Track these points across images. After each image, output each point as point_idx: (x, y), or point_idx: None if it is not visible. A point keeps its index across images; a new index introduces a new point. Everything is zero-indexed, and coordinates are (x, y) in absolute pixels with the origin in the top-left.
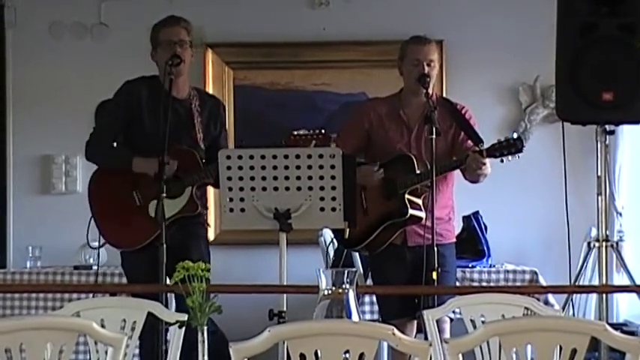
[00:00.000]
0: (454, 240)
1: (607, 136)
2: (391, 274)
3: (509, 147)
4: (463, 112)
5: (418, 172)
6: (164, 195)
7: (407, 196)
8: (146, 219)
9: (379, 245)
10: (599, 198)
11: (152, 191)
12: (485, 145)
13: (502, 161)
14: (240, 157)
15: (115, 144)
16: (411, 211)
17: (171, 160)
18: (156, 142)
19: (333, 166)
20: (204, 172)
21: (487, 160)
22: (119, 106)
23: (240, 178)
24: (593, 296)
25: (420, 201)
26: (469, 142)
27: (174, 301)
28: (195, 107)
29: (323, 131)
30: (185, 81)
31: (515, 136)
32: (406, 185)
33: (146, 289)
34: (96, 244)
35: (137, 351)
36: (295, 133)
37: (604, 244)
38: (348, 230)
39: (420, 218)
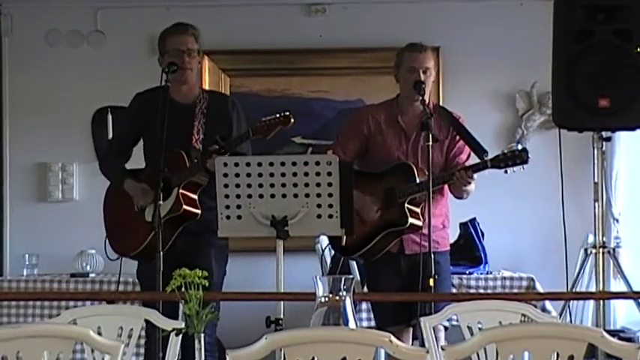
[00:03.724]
0: (449, 248)
1: (603, 143)
2: (386, 281)
3: (515, 158)
4: (460, 120)
5: (419, 180)
6: (161, 202)
7: (406, 205)
8: (142, 225)
9: (375, 253)
10: (596, 204)
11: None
12: (490, 156)
13: (506, 172)
14: (236, 165)
15: (126, 157)
16: (410, 220)
17: (147, 190)
18: (159, 151)
19: (329, 173)
20: (188, 170)
21: (472, 180)
22: (128, 118)
23: (237, 185)
24: (591, 303)
25: (418, 210)
26: (461, 156)
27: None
28: (200, 110)
29: (286, 113)
30: (192, 87)
31: (520, 147)
32: (406, 194)
33: (143, 297)
34: (114, 255)
35: (134, 359)
36: (262, 119)
37: (601, 250)
38: (344, 237)
39: (419, 227)
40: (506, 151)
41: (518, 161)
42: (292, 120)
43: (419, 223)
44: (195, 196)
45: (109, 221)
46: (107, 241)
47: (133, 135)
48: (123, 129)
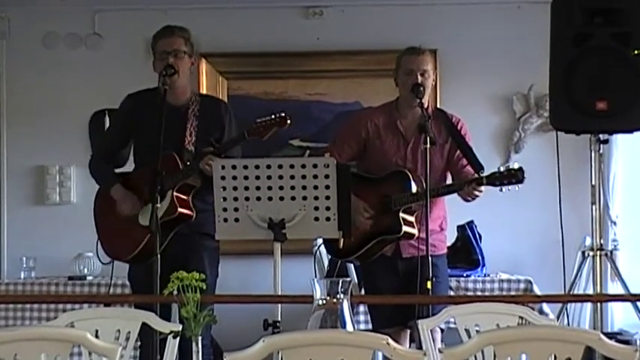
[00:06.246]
0: (446, 251)
1: (601, 146)
2: (382, 283)
3: (510, 177)
4: (459, 126)
5: (414, 191)
6: (158, 205)
7: (401, 214)
8: (136, 228)
9: (370, 256)
10: (594, 207)
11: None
12: (486, 172)
13: (501, 190)
14: (234, 167)
15: (114, 162)
16: (404, 228)
17: (133, 199)
18: (152, 153)
19: (327, 176)
20: (181, 173)
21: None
22: (120, 119)
23: (235, 188)
24: (588, 305)
25: (412, 218)
26: (465, 159)
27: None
28: (192, 112)
29: (282, 114)
30: (184, 89)
31: (516, 166)
32: (401, 203)
33: (141, 300)
34: (107, 258)
35: None
36: (258, 121)
37: (598, 253)
38: (342, 240)
39: (413, 235)
40: (502, 169)
41: (513, 180)
42: (289, 121)
43: (413, 231)
44: (188, 198)
45: (100, 225)
46: (100, 244)
47: (123, 135)
48: (114, 129)
